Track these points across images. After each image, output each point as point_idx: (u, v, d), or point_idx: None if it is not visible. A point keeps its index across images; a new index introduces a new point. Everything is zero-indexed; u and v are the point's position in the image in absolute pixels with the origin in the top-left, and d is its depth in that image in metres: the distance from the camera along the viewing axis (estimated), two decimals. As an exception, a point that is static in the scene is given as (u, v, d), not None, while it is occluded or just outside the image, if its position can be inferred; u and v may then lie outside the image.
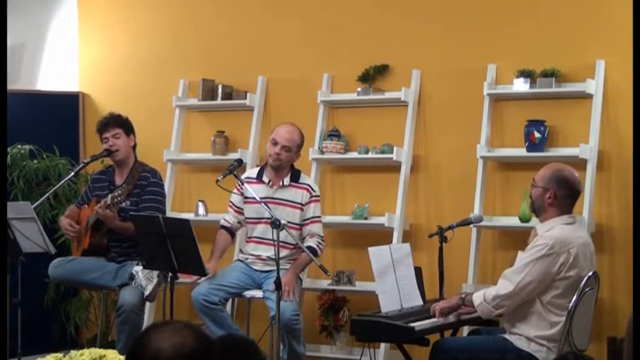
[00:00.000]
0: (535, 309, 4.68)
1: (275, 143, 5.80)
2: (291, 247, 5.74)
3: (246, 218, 5.88)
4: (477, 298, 4.76)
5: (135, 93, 7.39)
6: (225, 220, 5.95)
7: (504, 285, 4.68)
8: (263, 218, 5.74)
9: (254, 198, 5.60)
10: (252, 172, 6.01)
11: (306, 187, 5.83)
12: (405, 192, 6.40)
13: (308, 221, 5.79)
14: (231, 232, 5.95)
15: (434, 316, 4.94)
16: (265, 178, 5.85)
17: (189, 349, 2.30)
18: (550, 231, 4.72)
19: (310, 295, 6.56)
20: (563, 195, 4.80)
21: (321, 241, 5.78)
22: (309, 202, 5.80)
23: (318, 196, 5.88)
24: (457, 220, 5.59)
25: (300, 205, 5.79)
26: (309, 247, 5.64)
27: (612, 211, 5.97)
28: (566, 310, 4.65)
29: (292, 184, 5.82)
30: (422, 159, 6.49)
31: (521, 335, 4.70)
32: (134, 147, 6.03)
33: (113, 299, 6.52)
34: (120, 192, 5.60)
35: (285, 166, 5.83)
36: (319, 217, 5.86)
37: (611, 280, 5.90)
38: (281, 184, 5.82)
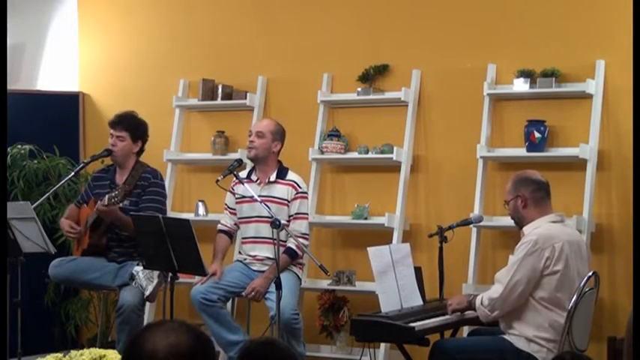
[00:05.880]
0: (529, 306, 4.70)
1: (250, 135, 5.85)
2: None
3: (239, 218, 5.88)
4: (477, 301, 4.81)
5: (135, 93, 7.38)
6: (222, 223, 5.95)
7: (496, 288, 4.73)
8: (254, 217, 5.74)
9: (244, 197, 5.62)
10: (244, 172, 6.01)
11: (292, 183, 5.78)
12: (405, 192, 6.39)
13: (291, 218, 5.75)
14: (230, 234, 5.95)
15: (448, 313, 4.99)
16: (254, 177, 5.84)
17: (185, 348, 2.28)
18: (536, 229, 4.76)
19: (310, 295, 6.55)
20: (531, 191, 4.84)
21: (303, 241, 5.62)
22: (295, 199, 5.76)
23: (305, 192, 5.84)
24: (457, 220, 5.62)
25: (286, 202, 5.75)
26: (289, 249, 5.64)
27: (612, 211, 5.97)
28: (562, 308, 4.67)
29: (278, 180, 5.79)
30: (422, 159, 6.49)
31: (521, 336, 4.71)
32: (139, 152, 5.97)
33: (113, 299, 6.52)
34: (117, 192, 5.55)
35: (263, 157, 5.78)
36: (304, 213, 5.81)
37: (611, 280, 5.89)
38: (267, 180, 5.79)
